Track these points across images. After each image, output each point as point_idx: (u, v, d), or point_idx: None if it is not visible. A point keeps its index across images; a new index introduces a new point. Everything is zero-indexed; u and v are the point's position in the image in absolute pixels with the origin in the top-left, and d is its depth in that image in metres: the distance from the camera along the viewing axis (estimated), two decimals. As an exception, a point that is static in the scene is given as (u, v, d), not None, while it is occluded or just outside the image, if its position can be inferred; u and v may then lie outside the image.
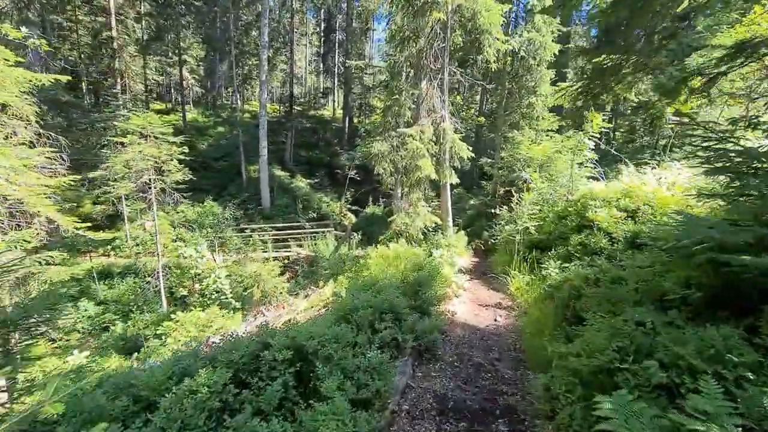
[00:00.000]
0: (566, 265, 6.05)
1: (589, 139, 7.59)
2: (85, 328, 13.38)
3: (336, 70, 34.55)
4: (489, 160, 14.52)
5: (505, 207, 12.42)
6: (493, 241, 11.40)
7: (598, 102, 4.99)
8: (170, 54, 30.51)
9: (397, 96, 10.51)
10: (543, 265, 6.62)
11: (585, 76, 4.77)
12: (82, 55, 26.61)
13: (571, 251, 6.44)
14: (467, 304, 6.41)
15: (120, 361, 9.47)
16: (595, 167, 8.15)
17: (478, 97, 24.60)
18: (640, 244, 5.68)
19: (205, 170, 24.92)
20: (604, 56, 4.15)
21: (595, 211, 6.64)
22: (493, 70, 12.22)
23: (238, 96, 26.57)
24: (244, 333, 8.10)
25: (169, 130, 15.07)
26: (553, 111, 13.13)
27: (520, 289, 6.42)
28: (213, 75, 35.43)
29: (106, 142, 16.01)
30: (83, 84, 26.25)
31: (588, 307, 4.00)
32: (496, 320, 5.52)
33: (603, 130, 7.23)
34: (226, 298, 10.18)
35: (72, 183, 12.44)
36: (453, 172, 11.01)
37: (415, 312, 4.75)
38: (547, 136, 13.28)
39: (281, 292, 9.91)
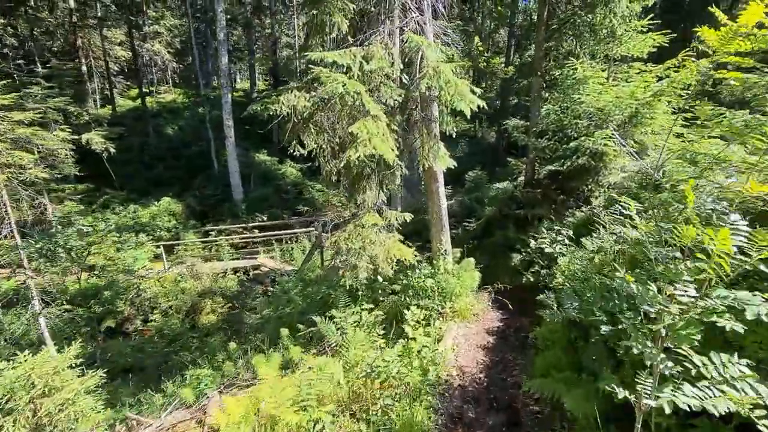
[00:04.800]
0: None
1: None
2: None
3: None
4: (521, 123, 8.23)
5: (553, 208, 6.40)
6: (530, 277, 5.48)
7: None
8: (143, 27, 25.44)
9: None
10: None
11: None
12: (35, 32, 22.04)
13: None
14: None
15: None
16: None
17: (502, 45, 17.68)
18: None
19: (174, 159, 20.02)
20: None
21: None
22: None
23: (199, 69, 21.11)
24: None
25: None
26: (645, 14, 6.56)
27: None
28: (205, 51, 30.15)
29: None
30: (38, 64, 21.66)
31: None
32: None
33: None
34: None
35: None
36: (442, 147, 5.04)
37: None
38: (628, 67, 6.88)
39: (86, 417, 4.58)
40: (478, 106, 4.85)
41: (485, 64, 15.02)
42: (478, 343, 4.47)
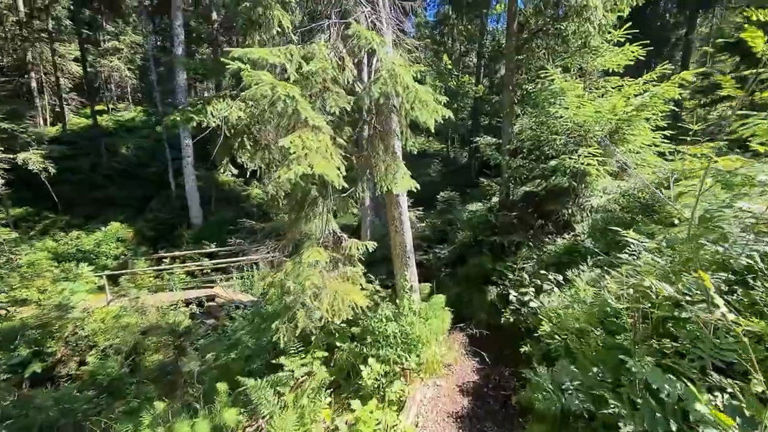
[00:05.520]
0: None
1: None
2: None
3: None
4: (492, 140, 7.61)
5: (530, 234, 5.67)
6: (509, 317, 4.65)
7: None
8: (101, 42, 24.09)
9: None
10: None
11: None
12: (-23, 45, 20.35)
13: None
14: None
15: None
16: None
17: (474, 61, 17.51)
18: None
19: (128, 180, 18.50)
20: None
21: None
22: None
23: (156, 86, 19.92)
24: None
25: None
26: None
27: None
28: (171, 68, 28.88)
29: None
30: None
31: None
32: None
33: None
34: None
35: None
36: (403, 167, 4.23)
37: None
38: (605, 81, 6.41)
39: None
40: (443, 121, 4.09)
41: (455, 82, 14.65)
42: (448, 409, 3.55)
